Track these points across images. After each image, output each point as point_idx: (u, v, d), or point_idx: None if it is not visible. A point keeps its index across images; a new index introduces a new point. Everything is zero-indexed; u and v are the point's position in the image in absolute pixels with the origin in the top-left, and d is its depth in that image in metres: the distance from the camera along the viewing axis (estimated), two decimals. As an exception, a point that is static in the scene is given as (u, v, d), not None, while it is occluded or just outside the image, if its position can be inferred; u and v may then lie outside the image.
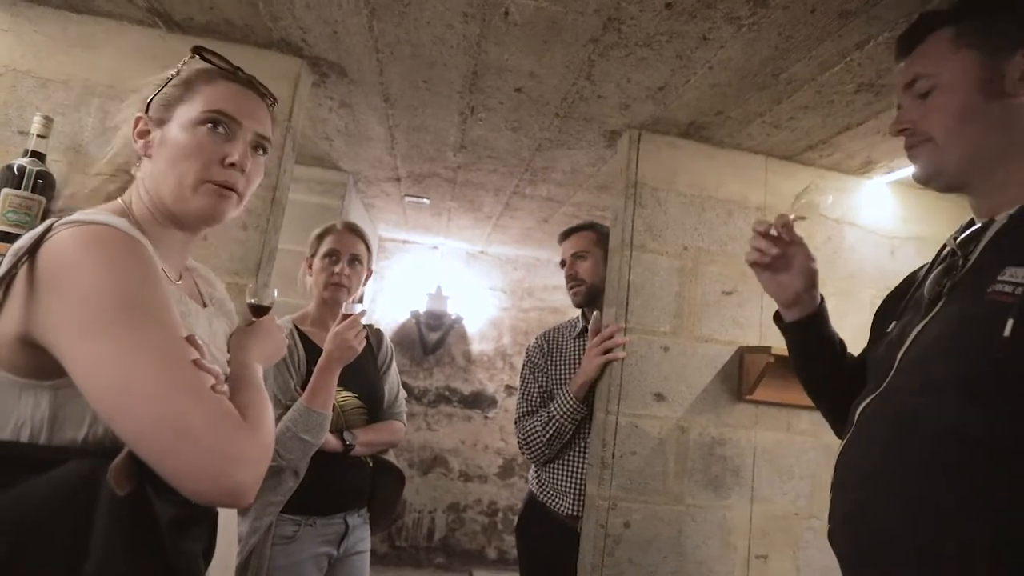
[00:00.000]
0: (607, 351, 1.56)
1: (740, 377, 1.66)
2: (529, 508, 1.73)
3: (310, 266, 1.51)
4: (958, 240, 0.78)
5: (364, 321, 1.35)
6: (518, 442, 1.69)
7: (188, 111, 0.70)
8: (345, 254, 1.46)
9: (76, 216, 0.60)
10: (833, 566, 1.76)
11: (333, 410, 1.32)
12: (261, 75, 0.80)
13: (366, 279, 1.55)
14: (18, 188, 1.20)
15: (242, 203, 0.74)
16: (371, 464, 1.46)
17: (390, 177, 2.51)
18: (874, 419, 0.73)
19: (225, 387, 0.60)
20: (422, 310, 3.77)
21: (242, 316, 0.92)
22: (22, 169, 1.20)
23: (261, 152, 0.76)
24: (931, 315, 0.71)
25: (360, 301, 1.48)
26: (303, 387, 1.29)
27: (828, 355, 0.97)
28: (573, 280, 1.73)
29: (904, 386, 0.70)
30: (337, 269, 1.44)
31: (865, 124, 1.51)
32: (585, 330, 1.74)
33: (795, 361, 1.01)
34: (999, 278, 0.64)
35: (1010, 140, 0.72)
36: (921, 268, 0.89)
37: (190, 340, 0.59)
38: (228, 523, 0.76)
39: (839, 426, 0.98)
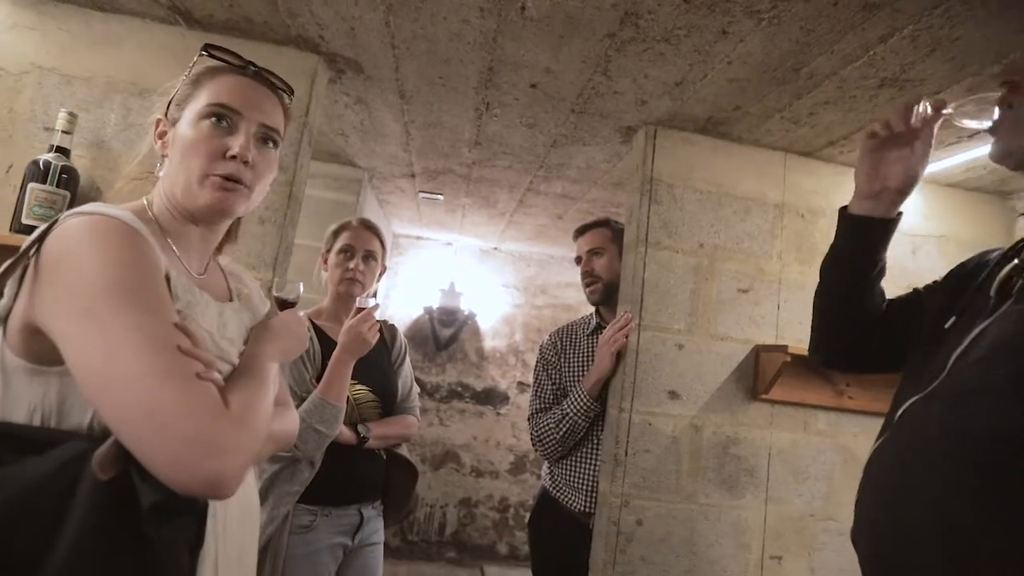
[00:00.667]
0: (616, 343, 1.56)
1: (756, 376, 1.64)
2: (541, 504, 1.73)
3: (325, 261, 1.53)
4: None
5: (378, 316, 1.36)
6: (531, 439, 1.69)
7: (194, 107, 0.72)
8: (360, 250, 1.48)
9: (82, 208, 0.61)
10: (849, 569, 1.74)
11: (348, 403, 1.34)
12: (279, 71, 0.81)
13: (380, 275, 1.56)
14: (44, 183, 1.23)
15: (252, 195, 0.73)
16: (385, 457, 1.47)
17: (405, 173, 2.52)
18: (917, 421, 0.67)
19: (216, 375, 0.59)
20: (435, 306, 3.79)
21: (270, 312, 0.93)
22: (47, 164, 1.23)
23: (271, 144, 0.75)
24: (996, 315, 0.65)
25: (374, 296, 1.49)
26: (318, 380, 1.31)
27: (866, 273, 0.87)
28: (589, 277, 1.72)
29: (957, 389, 0.64)
30: (351, 265, 1.46)
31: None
32: (598, 327, 1.73)
33: (829, 260, 0.91)
34: None
35: None
36: (980, 259, 0.80)
37: (180, 327, 0.58)
38: (248, 513, 0.76)
39: (820, 347, 0.93)
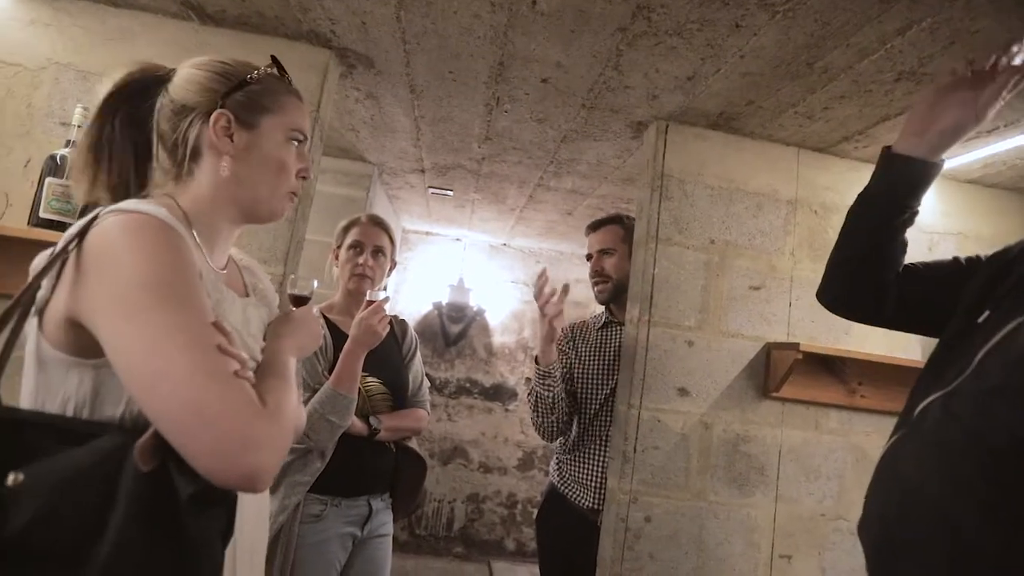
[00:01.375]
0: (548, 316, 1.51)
1: (766, 374, 1.63)
2: (549, 500, 1.73)
3: (336, 256, 1.54)
4: None
5: (387, 311, 1.37)
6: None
7: (278, 124, 0.75)
8: (369, 246, 1.49)
9: (121, 205, 0.62)
10: (860, 569, 1.72)
11: (359, 395, 1.35)
12: (290, 67, 0.82)
13: (390, 270, 1.57)
14: (61, 177, 1.24)
15: None
16: (394, 450, 1.48)
17: (415, 168, 2.52)
18: (937, 419, 0.64)
19: (249, 373, 0.61)
20: (444, 302, 3.80)
21: (283, 307, 0.94)
22: (64, 159, 1.25)
23: None
24: None
25: (384, 290, 1.50)
26: (330, 372, 1.32)
27: (893, 217, 0.83)
28: (599, 276, 1.71)
29: (982, 388, 0.60)
30: (361, 260, 1.47)
31: (905, 114, 1.45)
32: (607, 323, 1.73)
33: (859, 200, 0.87)
34: None
35: None
36: (1021, 249, 0.75)
37: (217, 326, 0.60)
38: (261, 509, 0.78)
39: (828, 288, 0.90)
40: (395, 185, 2.82)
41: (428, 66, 1.55)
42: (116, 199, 0.69)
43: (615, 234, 1.73)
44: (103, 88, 0.72)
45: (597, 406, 1.64)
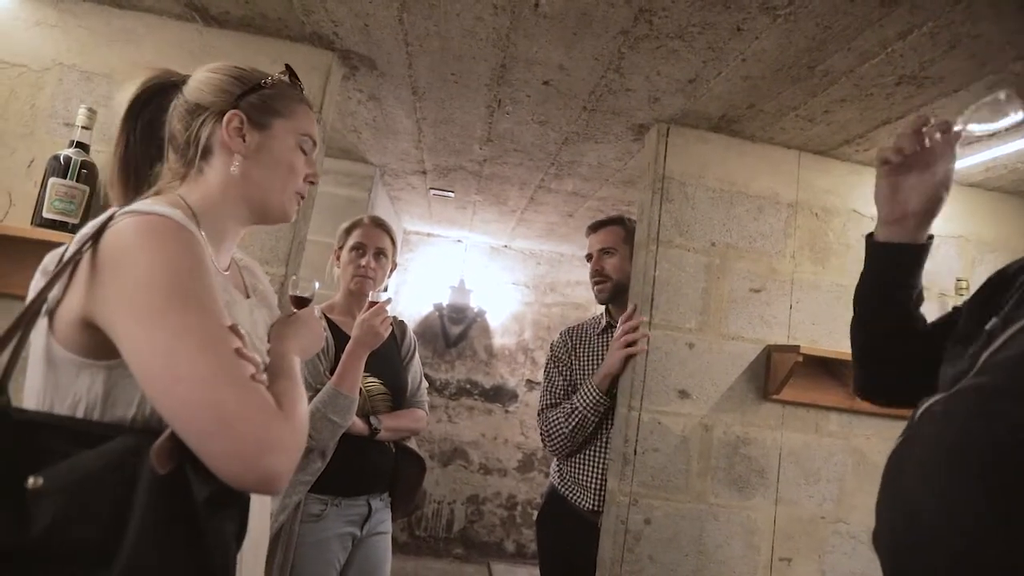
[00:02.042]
0: (630, 344, 1.55)
1: (767, 376, 1.63)
2: (550, 502, 1.74)
3: (338, 258, 1.55)
4: None
5: (388, 311, 1.38)
6: (541, 434, 1.69)
7: (290, 128, 0.77)
8: (371, 247, 1.50)
9: (136, 206, 0.63)
10: (860, 572, 1.72)
11: (360, 395, 1.36)
12: (294, 68, 0.83)
13: (391, 271, 1.58)
14: (64, 177, 1.25)
15: None
16: (394, 450, 1.49)
17: (416, 170, 2.53)
18: (937, 421, 0.62)
19: (264, 376, 0.62)
20: (445, 303, 3.80)
21: (284, 308, 0.95)
22: (68, 159, 1.25)
23: None
24: None
25: (385, 291, 1.51)
26: (332, 372, 1.33)
27: (902, 302, 0.81)
28: (599, 276, 1.71)
29: (983, 385, 0.58)
30: (363, 262, 1.48)
31: (906, 118, 1.46)
32: (608, 327, 1.72)
33: (860, 291, 0.84)
34: None
35: None
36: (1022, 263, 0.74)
37: (233, 329, 0.61)
38: (263, 505, 0.78)
39: (862, 383, 0.86)
40: (397, 186, 2.83)
41: (430, 68, 1.56)
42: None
43: (616, 235, 1.73)
44: (124, 96, 0.74)
45: (598, 408, 1.64)
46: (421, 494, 1.58)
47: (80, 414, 0.60)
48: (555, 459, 1.74)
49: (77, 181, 1.26)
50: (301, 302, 0.97)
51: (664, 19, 1.20)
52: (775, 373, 1.60)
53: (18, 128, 1.38)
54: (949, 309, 1.72)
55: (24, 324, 0.59)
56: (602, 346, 1.70)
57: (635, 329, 1.56)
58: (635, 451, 1.54)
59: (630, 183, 2.28)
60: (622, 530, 1.51)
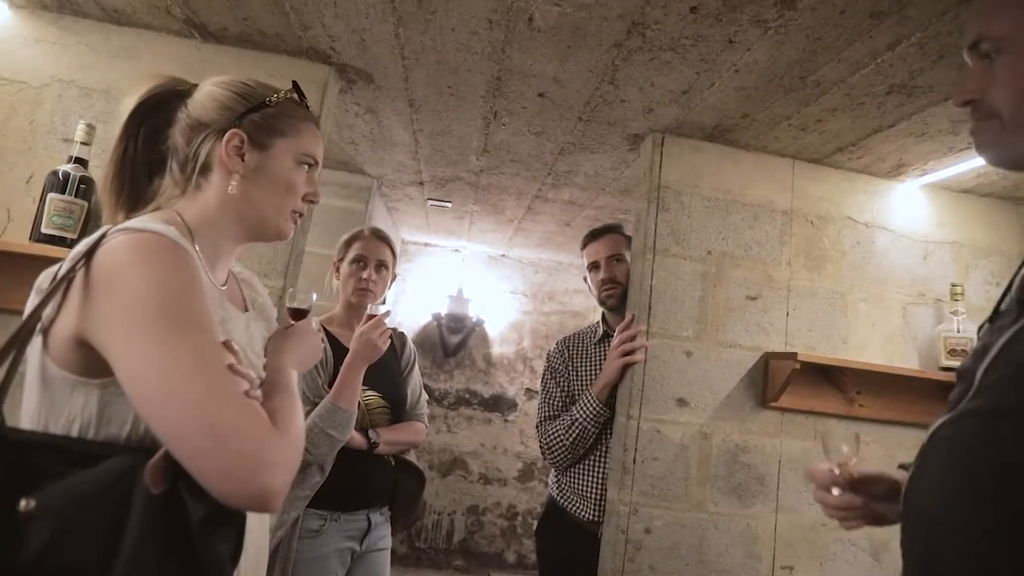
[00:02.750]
0: (627, 353, 1.55)
1: (765, 384, 1.63)
2: (549, 512, 1.73)
3: (337, 269, 1.55)
4: None
5: (387, 323, 1.38)
6: (540, 447, 1.68)
7: (291, 147, 0.76)
8: (372, 260, 1.50)
9: (129, 223, 0.63)
10: (862, 580, 1.70)
11: (358, 408, 1.35)
12: (289, 82, 0.83)
13: (391, 283, 1.58)
14: (62, 193, 1.25)
15: None
16: (393, 464, 1.48)
17: (413, 181, 2.54)
18: (945, 445, 0.61)
19: (258, 392, 0.62)
20: (443, 312, 3.80)
21: (282, 320, 0.95)
22: (66, 175, 1.26)
23: None
24: (1022, 323, 0.58)
25: (384, 303, 1.51)
26: (330, 385, 1.33)
27: None
28: (611, 283, 1.70)
29: (988, 409, 0.56)
30: (365, 275, 1.49)
31: (897, 126, 1.47)
32: (605, 335, 1.73)
33: None
34: None
35: None
36: None
37: (227, 345, 0.61)
38: (262, 522, 0.78)
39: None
40: (394, 197, 2.84)
41: (427, 81, 1.58)
42: (130, 217, 0.70)
43: (619, 241, 1.74)
44: (127, 103, 0.73)
45: (596, 417, 1.64)
46: (421, 507, 1.56)
47: (74, 433, 0.59)
48: (554, 470, 1.74)
49: (76, 196, 1.27)
50: (299, 314, 0.97)
51: (657, 32, 1.21)
52: (773, 380, 1.61)
53: (17, 144, 1.39)
54: (946, 315, 1.74)
55: (19, 343, 0.59)
56: (599, 355, 1.70)
57: (633, 338, 1.56)
58: (634, 460, 1.53)
59: (627, 192, 2.29)
60: (622, 540, 1.50)
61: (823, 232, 1.76)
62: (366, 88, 1.66)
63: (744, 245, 1.70)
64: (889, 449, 1.69)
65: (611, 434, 1.61)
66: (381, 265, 1.52)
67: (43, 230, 1.24)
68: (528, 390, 3.92)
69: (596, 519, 1.58)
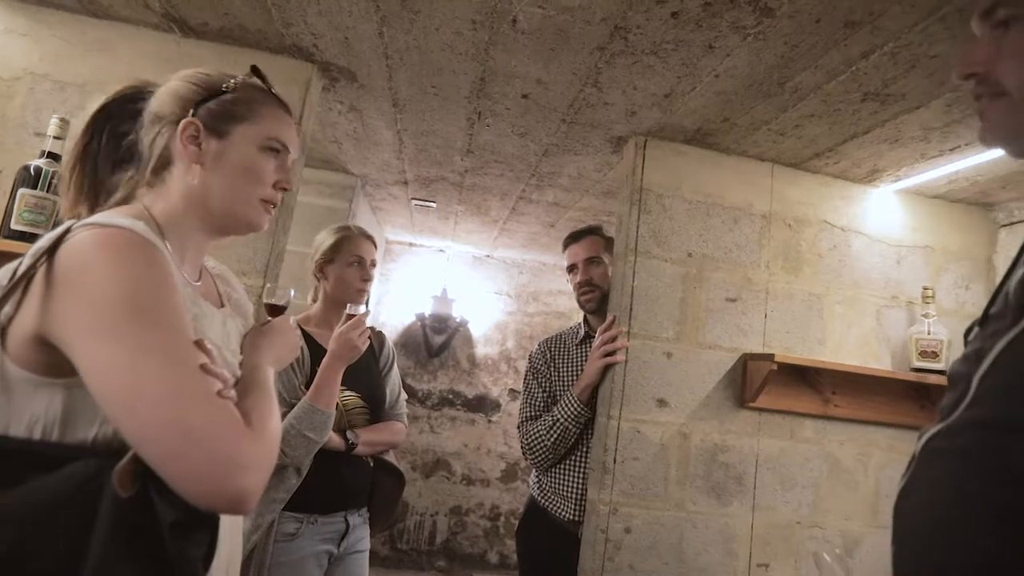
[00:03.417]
0: (608, 354, 1.57)
1: (743, 384, 1.66)
2: (530, 513, 1.73)
3: (321, 270, 1.53)
4: None
5: (368, 322, 1.37)
6: (522, 447, 1.69)
7: (252, 132, 0.73)
8: (368, 260, 1.51)
9: (94, 218, 0.60)
10: (835, 576, 1.73)
11: (336, 409, 1.34)
12: (273, 79, 0.82)
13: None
14: (34, 188, 1.22)
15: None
16: (371, 464, 1.47)
17: (398, 180, 2.53)
18: (938, 457, 0.57)
19: (232, 392, 0.60)
20: (427, 313, 3.79)
21: (259, 317, 0.93)
22: (38, 170, 1.23)
23: None
24: (1021, 328, 0.54)
25: (365, 303, 1.50)
26: (308, 386, 1.31)
27: None
28: (588, 285, 1.71)
29: (982, 419, 0.53)
30: (364, 276, 1.50)
31: (871, 133, 1.51)
32: (587, 336, 1.74)
33: None
34: None
35: None
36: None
37: (199, 344, 0.59)
38: (234, 524, 0.76)
39: None
40: (378, 197, 2.83)
41: (410, 81, 1.57)
42: (94, 212, 0.68)
43: (598, 244, 1.75)
44: (94, 103, 0.72)
45: (578, 418, 1.65)
46: (401, 507, 1.55)
47: (37, 435, 0.57)
48: (535, 471, 1.74)
49: (48, 192, 1.23)
50: (276, 310, 0.96)
51: (639, 36, 1.23)
52: (751, 381, 1.63)
53: (-13, 137, 1.35)
54: (917, 318, 1.78)
55: None
56: (581, 356, 1.71)
57: (614, 339, 1.58)
58: (615, 460, 1.55)
59: (610, 194, 2.31)
60: (602, 539, 1.51)
61: (801, 235, 1.79)
62: (349, 87, 1.65)
63: (724, 248, 1.73)
64: (862, 448, 1.73)
65: (592, 434, 1.62)
66: (373, 264, 1.54)
67: (13, 226, 1.21)
68: (512, 391, 3.92)
69: (576, 519, 1.59)
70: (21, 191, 1.22)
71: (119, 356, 0.53)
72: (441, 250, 3.96)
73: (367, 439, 1.42)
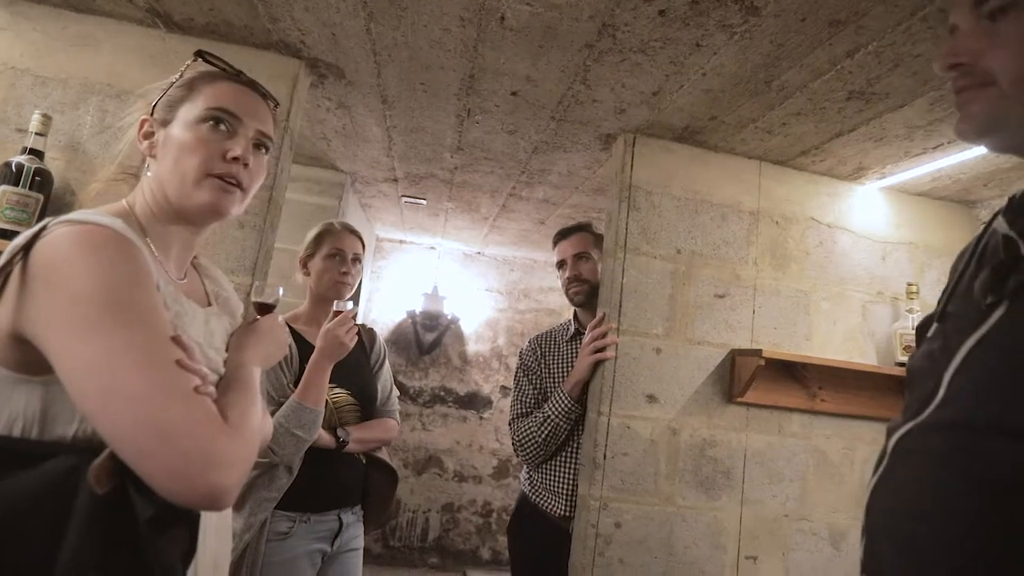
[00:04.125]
0: (598, 350, 1.58)
1: (731, 379, 1.68)
2: (521, 509, 1.74)
3: (305, 265, 1.53)
4: (1016, 223, 0.54)
5: (359, 319, 1.37)
6: (513, 444, 1.70)
7: (191, 110, 0.72)
8: (348, 253, 1.49)
9: (71, 215, 0.60)
10: (822, 569, 1.77)
11: (327, 407, 1.34)
12: (260, 75, 0.82)
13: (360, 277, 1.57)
14: (16, 185, 1.21)
15: (246, 199, 0.75)
16: (364, 462, 1.47)
17: (387, 178, 2.52)
18: (912, 457, 0.56)
19: (211, 389, 0.60)
20: (418, 310, 3.78)
21: (248, 315, 0.93)
22: (20, 167, 1.21)
23: (264, 151, 0.77)
24: (991, 324, 0.52)
25: (356, 300, 1.50)
26: (296, 384, 1.31)
27: None
28: (577, 281, 1.73)
29: (957, 420, 0.52)
30: (344, 269, 1.47)
31: (856, 131, 1.53)
32: (577, 333, 1.75)
33: None
34: None
35: None
36: (966, 250, 0.65)
37: (176, 340, 0.59)
38: (223, 523, 0.76)
39: None
40: (368, 194, 2.81)
41: (399, 77, 1.57)
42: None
43: (587, 240, 1.76)
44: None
45: (568, 414, 1.65)
46: (394, 504, 1.55)
47: (16, 433, 0.57)
48: (525, 467, 1.75)
49: (30, 189, 1.22)
50: (264, 308, 0.95)
51: (627, 34, 1.23)
52: (739, 376, 1.65)
53: (-33, 134, 1.33)
54: (901, 313, 1.81)
55: None
56: (571, 353, 1.72)
57: (604, 335, 1.59)
58: (605, 456, 1.56)
59: (600, 191, 2.32)
60: (593, 534, 1.52)
61: (788, 232, 1.81)
62: (338, 83, 1.64)
63: (712, 244, 1.74)
64: (848, 442, 1.75)
65: (582, 430, 1.63)
66: (356, 259, 1.51)
67: (-5, 224, 1.19)
68: (503, 387, 3.93)
69: (567, 514, 1.60)
70: (3, 188, 1.20)
71: (94, 353, 0.53)
72: (432, 247, 3.95)
73: (359, 436, 1.42)
